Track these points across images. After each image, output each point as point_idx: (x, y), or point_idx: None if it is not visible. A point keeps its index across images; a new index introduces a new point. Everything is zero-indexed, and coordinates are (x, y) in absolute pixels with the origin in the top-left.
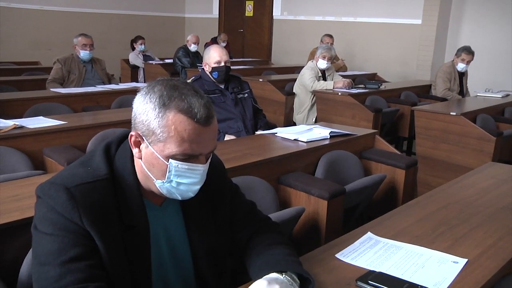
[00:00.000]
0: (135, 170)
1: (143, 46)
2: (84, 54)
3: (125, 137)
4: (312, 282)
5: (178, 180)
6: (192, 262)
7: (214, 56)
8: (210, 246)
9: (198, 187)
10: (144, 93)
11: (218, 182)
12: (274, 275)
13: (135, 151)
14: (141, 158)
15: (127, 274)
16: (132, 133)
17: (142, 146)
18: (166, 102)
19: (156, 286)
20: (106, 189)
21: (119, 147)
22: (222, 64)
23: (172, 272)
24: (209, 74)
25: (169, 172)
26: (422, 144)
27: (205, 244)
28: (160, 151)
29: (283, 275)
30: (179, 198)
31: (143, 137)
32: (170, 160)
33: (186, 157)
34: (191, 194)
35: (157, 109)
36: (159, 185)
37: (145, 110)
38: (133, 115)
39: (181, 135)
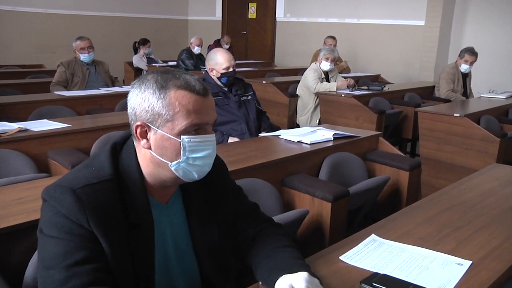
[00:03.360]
0: (140, 167)
1: (150, 48)
2: (84, 57)
3: (128, 137)
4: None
5: (193, 156)
6: (196, 261)
7: (222, 63)
8: (213, 244)
9: (212, 159)
10: (138, 85)
11: (221, 181)
12: (300, 274)
13: (143, 142)
14: (150, 148)
15: (131, 273)
16: (138, 123)
17: (150, 134)
18: (163, 84)
19: (160, 284)
20: (112, 189)
21: (123, 147)
22: (231, 69)
23: (177, 271)
24: (213, 77)
25: (183, 149)
26: (426, 145)
27: (207, 242)
28: (170, 131)
29: (305, 273)
30: (196, 176)
31: (149, 124)
32: (182, 136)
33: (196, 128)
34: (207, 169)
35: (157, 92)
36: (175, 167)
37: (145, 98)
38: (130, 110)
39: (187, 107)
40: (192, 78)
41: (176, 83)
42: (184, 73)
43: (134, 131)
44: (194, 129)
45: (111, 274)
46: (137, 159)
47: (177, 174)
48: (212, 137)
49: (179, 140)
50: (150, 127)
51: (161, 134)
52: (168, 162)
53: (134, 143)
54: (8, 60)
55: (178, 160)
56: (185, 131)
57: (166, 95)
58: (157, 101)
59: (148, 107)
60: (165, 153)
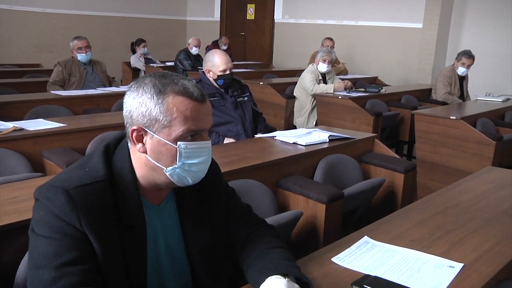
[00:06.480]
0: (133, 169)
1: (145, 48)
2: (81, 57)
3: (122, 137)
4: (310, 287)
5: (189, 162)
6: (188, 262)
7: (218, 65)
8: (205, 245)
9: (207, 165)
10: (135, 88)
11: (214, 183)
12: (282, 278)
13: (138, 146)
14: (145, 152)
15: (123, 275)
16: (134, 127)
17: (146, 138)
18: (161, 89)
19: (151, 286)
20: (104, 190)
21: (116, 148)
22: (228, 72)
23: (169, 272)
24: (210, 79)
25: (179, 155)
26: (422, 148)
27: (200, 243)
28: (167, 136)
29: (286, 279)
30: (190, 182)
31: (146, 129)
32: (179, 142)
33: (192, 134)
34: (202, 174)
35: (155, 97)
36: (170, 173)
37: (142, 102)
38: (126, 113)
39: (184, 114)
40: (190, 84)
41: (174, 89)
42: (182, 78)
43: (130, 134)
44: (191, 135)
45: (101, 275)
46: (130, 160)
47: (171, 179)
48: (208, 143)
49: (175, 146)
50: (146, 131)
51: (158, 139)
52: (163, 167)
53: (129, 144)
54: (5, 59)
55: (173, 166)
56: (181, 137)
57: (164, 100)
58: (155, 106)
59: (145, 111)
60: (160, 158)
